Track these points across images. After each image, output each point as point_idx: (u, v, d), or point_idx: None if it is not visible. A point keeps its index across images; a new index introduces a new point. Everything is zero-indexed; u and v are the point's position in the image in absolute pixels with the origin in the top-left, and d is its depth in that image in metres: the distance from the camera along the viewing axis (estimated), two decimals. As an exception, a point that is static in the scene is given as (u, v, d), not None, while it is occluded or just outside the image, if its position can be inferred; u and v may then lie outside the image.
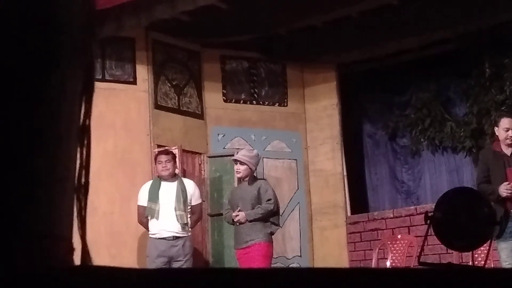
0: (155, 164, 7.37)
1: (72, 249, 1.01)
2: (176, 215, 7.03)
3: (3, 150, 0.92)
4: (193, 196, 7.26)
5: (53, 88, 0.98)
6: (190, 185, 7.31)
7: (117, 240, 7.64)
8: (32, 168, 0.95)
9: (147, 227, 7.16)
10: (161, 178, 7.21)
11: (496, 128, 6.30)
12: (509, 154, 6.17)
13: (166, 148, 7.70)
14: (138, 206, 7.22)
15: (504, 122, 6.19)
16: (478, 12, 7.93)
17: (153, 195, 7.10)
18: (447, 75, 9.08)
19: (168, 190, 7.13)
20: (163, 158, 7.23)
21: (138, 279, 0.90)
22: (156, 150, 7.76)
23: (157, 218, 7.03)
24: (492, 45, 8.44)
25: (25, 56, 0.95)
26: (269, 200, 6.70)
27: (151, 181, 7.33)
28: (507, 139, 6.15)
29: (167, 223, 7.02)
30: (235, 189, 7.23)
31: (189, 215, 7.17)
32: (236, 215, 6.72)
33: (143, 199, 7.17)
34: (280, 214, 7.64)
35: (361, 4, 7.90)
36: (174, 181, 7.20)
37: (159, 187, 7.14)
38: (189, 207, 7.18)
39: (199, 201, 7.41)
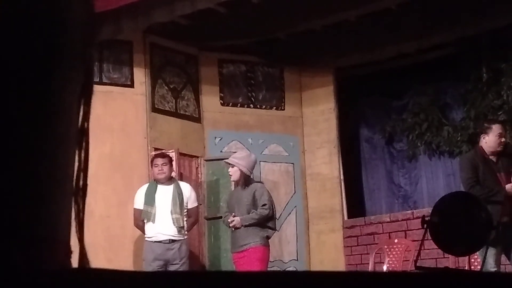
0: (151, 168, 7.37)
1: (69, 252, 1.01)
2: (172, 219, 7.03)
3: (1, 153, 0.92)
4: (189, 199, 7.26)
5: (53, 91, 0.98)
6: (186, 188, 7.32)
7: (114, 243, 7.63)
8: (30, 171, 0.95)
9: (143, 230, 7.16)
10: (157, 181, 7.21)
11: (484, 135, 6.29)
12: (495, 160, 6.21)
13: (162, 151, 7.70)
14: (134, 209, 7.22)
15: (497, 128, 6.22)
16: (476, 17, 7.94)
17: (149, 199, 7.10)
18: (445, 79, 9.10)
19: (164, 193, 7.13)
20: (159, 161, 7.22)
21: (135, 282, 0.90)
22: (153, 153, 7.76)
23: (153, 222, 7.03)
24: (490, 50, 8.46)
25: (25, 58, 0.95)
26: (264, 205, 6.68)
27: (147, 185, 7.33)
28: (500, 146, 6.18)
29: (163, 226, 7.01)
30: (233, 192, 7.24)
31: (185, 218, 7.16)
32: (232, 220, 6.73)
33: (139, 202, 7.17)
34: (277, 218, 7.64)
35: (360, 8, 7.91)
36: (170, 184, 7.20)
37: (155, 191, 7.14)
38: (185, 210, 7.18)
39: (196, 204, 7.41)
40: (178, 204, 7.08)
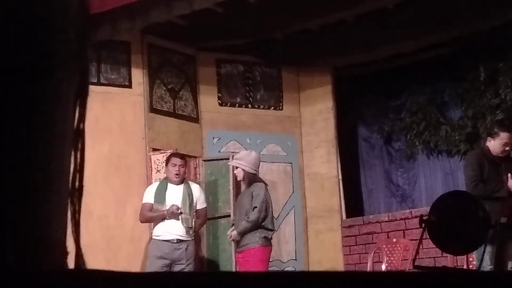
0: (166, 166, 7.28)
1: (66, 253, 1.01)
2: (182, 218, 6.99)
3: (-3, 154, 0.92)
4: (198, 200, 7.22)
5: (48, 92, 0.98)
6: (195, 189, 7.28)
7: (112, 244, 7.62)
8: (26, 172, 0.94)
9: (151, 220, 7.05)
10: (169, 181, 7.16)
11: (489, 139, 6.29)
12: (499, 161, 6.23)
13: (181, 152, 7.62)
14: (144, 203, 7.11)
15: (504, 136, 6.20)
16: (473, 16, 7.95)
17: (160, 197, 7.05)
18: (442, 79, 9.10)
19: (175, 192, 7.09)
20: (178, 161, 7.15)
21: (132, 283, 0.90)
22: (155, 152, 7.74)
23: (163, 220, 7.00)
24: (487, 49, 8.46)
25: (20, 60, 0.95)
26: (255, 207, 6.69)
27: (157, 183, 7.30)
28: (503, 153, 6.20)
29: (172, 226, 6.98)
30: (240, 194, 7.30)
31: (194, 219, 7.14)
32: (229, 236, 6.85)
33: (149, 197, 7.10)
34: (276, 217, 7.64)
35: (357, 8, 7.90)
36: (180, 184, 7.17)
37: (166, 189, 7.11)
38: (194, 211, 7.16)
39: (204, 205, 7.36)
40: (188, 204, 7.05)
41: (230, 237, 6.84)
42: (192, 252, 7.07)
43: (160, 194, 7.06)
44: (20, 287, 0.87)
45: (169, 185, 7.12)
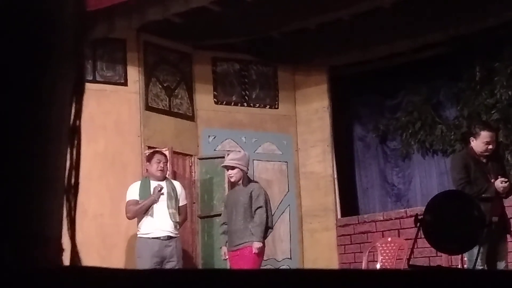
0: (149, 163, 7.27)
1: (61, 250, 1.01)
2: (169, 213, 7.00)
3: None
4: (180, 196, 7.25)
5: (44, 88, 0.98)
6: (178, 185, 7.32)
7: (107, 241, 7.62)
8: (22, 169, 0.94)
9: (140, 211, 7.01)
10: (153, 178, 7.16)
11: (472, 139, 6.28)
12: (485, 161, 6.22)
13: (158, 149, 7.67)
14: (129, 200, 7.09)
15: (485, 135, 6.17)
16: (469, 16, 7.96)
17: (145, 193, 7.05)
18: (438, 78, 9.11)
19: None
20: (162, 158, 7.20)
21: (127, 280, 0.90)
22: (150, 150, 7.73)
23: (152, 216, 6.98)
24: (483, 49, 8.47)
25: (16, 56, 0.95)
26: (259, 207, 6.74)
27: (139, 181, 7.29)
28: (486, 152, 6.17)
29: (161, 222, 6.97)
30: (230, 192, 7.30)
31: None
32: (253, 250, 6.69)
33: (133, 195, 7.08)
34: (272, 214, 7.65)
35: (353, 7, 7.91)
36: (162, 180, 7.19)
37: (150, 186, 7.11)
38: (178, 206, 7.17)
39: (185, 202, 7.40)
40: (173, 199, 7.08)
41: (255, 251, 6.68)
42: (180, 249, 7.10)
43: (145, 191, 7.06)
44: (15, 284, 0.87)
45: (152, 182, 7.13)
